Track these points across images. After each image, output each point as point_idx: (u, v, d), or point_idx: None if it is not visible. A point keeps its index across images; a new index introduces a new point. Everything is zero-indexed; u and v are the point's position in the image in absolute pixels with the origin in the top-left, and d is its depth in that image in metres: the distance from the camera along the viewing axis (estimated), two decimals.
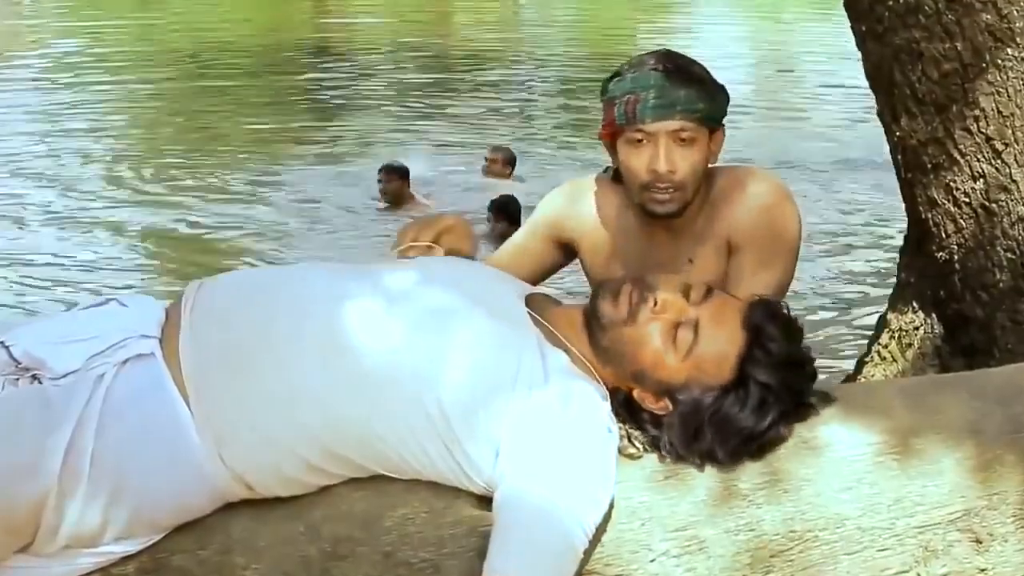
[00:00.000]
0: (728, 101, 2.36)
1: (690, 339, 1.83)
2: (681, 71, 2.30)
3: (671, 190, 2.29)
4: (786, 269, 2.38)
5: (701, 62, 2.38)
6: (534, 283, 2.33)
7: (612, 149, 2.38)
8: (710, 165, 2.37)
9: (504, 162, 9.00)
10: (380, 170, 8.40)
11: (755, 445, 1.83)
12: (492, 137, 10.68)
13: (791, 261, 2.39)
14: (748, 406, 1.82)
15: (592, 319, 1.88)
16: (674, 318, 1.84)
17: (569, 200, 2.51)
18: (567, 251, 2.53)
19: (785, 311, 1.92)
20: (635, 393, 1.86)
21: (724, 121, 2.37)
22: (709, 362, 1.83)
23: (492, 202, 7.84)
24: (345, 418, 1.76)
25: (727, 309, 1.87)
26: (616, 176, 2.43)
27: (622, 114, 2.29)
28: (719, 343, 1.84)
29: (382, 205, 8.43)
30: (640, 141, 2.29)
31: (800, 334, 1.90)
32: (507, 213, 7.66)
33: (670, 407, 1.85)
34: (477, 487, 1.78)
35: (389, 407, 1.76)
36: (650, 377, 1.85)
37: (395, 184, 8.31)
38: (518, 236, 2.58)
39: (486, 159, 9.12)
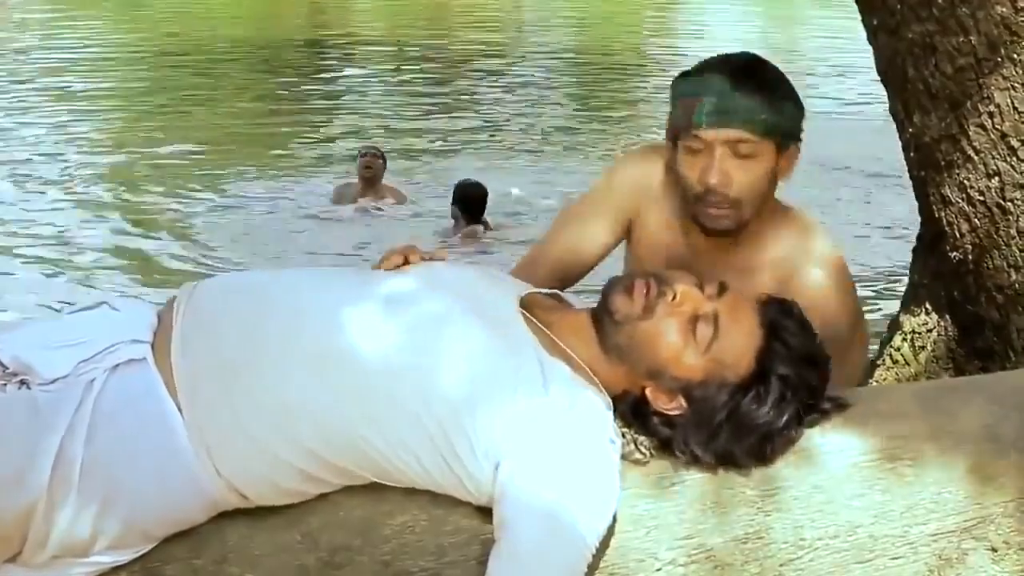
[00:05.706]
0: (803, 117, 2.20)
1: (710, 333, 1.79)
2: (750, 76, 2.14)
3: (726, 206, 2.15)
4: (855, 356, 2.29)
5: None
6: (588, 270, 2.29)
7: (675, 152, 2.23)
8: (781, 181, 2.21)
9: None
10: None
11: (771, 445, 1.80)
12: (502, 136, 10.65)
13: (857, 341, 2.28)
14: (767, 402, 1.78)
15: (604, 316, 1.83)
16: (692, 311, 1.80)
17: (642, 175, 2.33)
18: (626, 231, 2.35)
19: (797, 309, 1.88)
20: (648, 392, 1.81)
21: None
22: (729, 357, 1.79)
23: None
24: (340, 429, 1.72)
25: (743, 304, 1.84)
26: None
27: (680, 116, 2.16)
28: (739, 337, 1.80)
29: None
30: (696, 149, 2.14)
31: (814, 332, 1.87)
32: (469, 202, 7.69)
33: (684, 405, 1.80)
34: (477, 501, 1.74)
35: (385, 421, 1.72)
36: (667, 373, 1.80)
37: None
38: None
39: None
